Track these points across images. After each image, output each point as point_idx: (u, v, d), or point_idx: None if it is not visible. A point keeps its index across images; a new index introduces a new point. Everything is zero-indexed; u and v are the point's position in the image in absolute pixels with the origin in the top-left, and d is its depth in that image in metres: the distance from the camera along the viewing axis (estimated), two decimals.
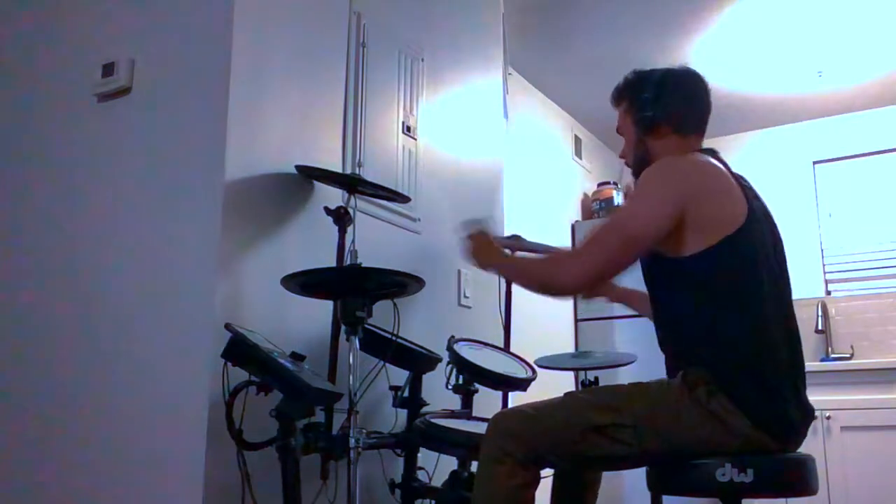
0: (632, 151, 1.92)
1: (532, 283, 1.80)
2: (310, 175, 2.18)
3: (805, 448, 1.72)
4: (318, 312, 2.08)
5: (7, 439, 2.19)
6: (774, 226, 1.83)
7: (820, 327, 4.36)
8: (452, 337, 2.29)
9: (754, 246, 1.70)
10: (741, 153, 4.83)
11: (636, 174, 1.92)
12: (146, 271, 2.03)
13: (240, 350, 1.70)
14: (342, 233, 2.08)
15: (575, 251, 1.73)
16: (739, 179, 1.80)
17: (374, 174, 2.35)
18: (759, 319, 1.67)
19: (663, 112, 1.83)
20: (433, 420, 2.03)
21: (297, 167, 2.14)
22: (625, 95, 1.92)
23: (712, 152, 1.82)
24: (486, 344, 2.45)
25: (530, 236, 2.83)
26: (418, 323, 2.52)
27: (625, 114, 1.92)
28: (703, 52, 3.92)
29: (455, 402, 2.30)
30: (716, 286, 1.66)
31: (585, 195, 4.94)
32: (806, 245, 4.60)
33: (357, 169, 2.36)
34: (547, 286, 1.78)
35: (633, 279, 1.87)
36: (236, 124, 1.99)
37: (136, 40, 2.22)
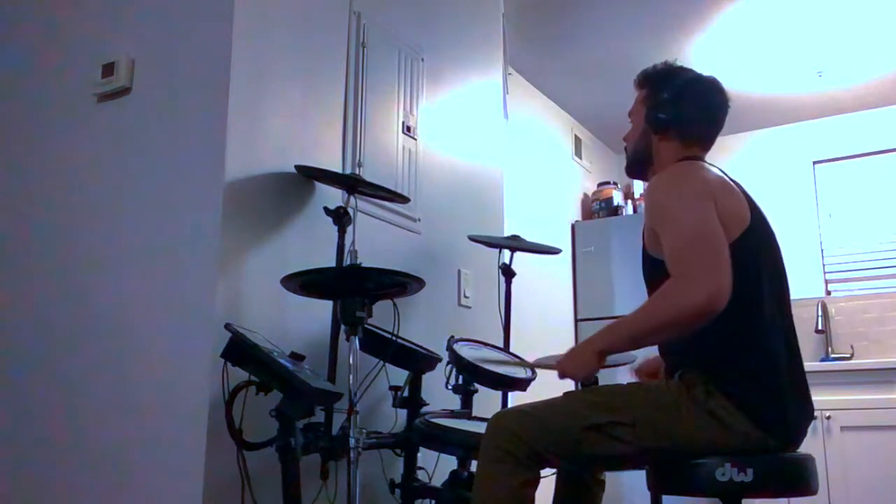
0: (634, 141, 1.92)
1: (661, 326, 1.57)
2: (310, 175, 2.18)
3: (805, 448, 1.72)
4: (318, 312, 2.08)
5: (7, 439, 2.19)
6: (771, 229, 1.83)
7: (820, 327, 4.35)
8: (452, 337, 2.29)
9: (759, 247, 1.71)
10: (741, 153, 4.83)
11: (630, 164, 1.95)
12: (146, 271, 2.03)
13: (240, 350, 1.70)
14: (342, 233, 2.08)
15: (683, 279, 1.54)
16: (738, 185, 1.80)
17: (374, 174, 2.35)
18: (759, 320, 1.67)
19: (675, 118, 1.83)
20: (433, 420, 2.03)
21: (297, 167, 2.14)
22: (647, 84, 1.91)
23: (696, 160, 1.83)
24: (486, 344, 2.45)
25: (530, 236, 2.84)
26: (418, 323, 2.52)
27: (641, 102, 1.91)
28: (703, 52, 3.92)
29: (455, 402, 2.30)
30: None
31: (585, 195, 4.94)
32: (806, 245, 4.60)
33: (357, 169, 2.36)
34: (682, 315, 1.53)
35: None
36: (236, 124, 2.00)
37: (136, 40, 2.22)
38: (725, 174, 1.80)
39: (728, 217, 1.66)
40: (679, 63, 1.93)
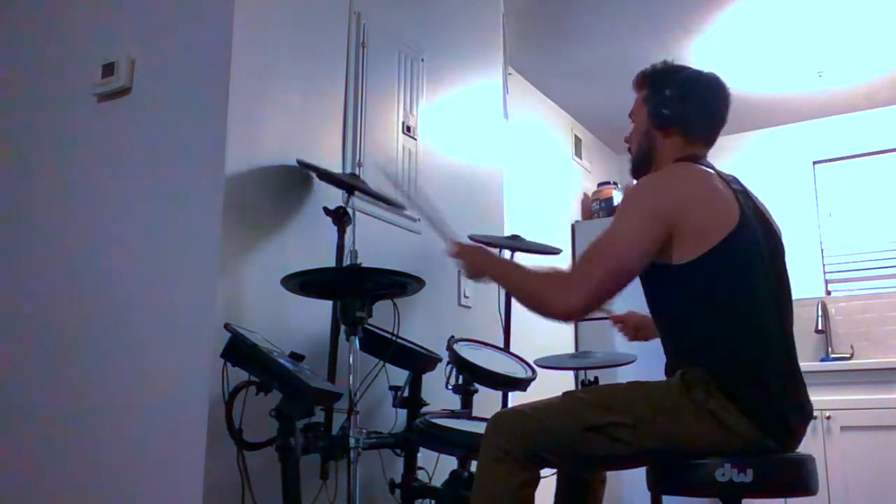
0: (638, 140, 1.92)
1: (524, 298, 1.77)
2: (311, 169, 2.17)
3: (805, 448, 1.72)
4: (318, 312, 2.08)
5: (7, 439, 2.19)
6: (771, 226, 1.83)
7: (820, 327, 4.35)
8: (452, 337, 2.29)
9: (747, 249, 1.70)
10: (741, 153, 4.83)
11: (634, 165, 1.95)
12: (146, 271, 2.03)
13: (240, 350, 1.70)
14: (342, 233, 2.08)
15: (568, 278, 1.73)
16: (730, 183, 1.80)
17: (374, 174, 2.35)
18: (755, 320, 1.67)
19: (679, 114, 1.83)
20: (433, 420, 2.03)
21: (299, 161, 2.13)
22: (647, 83, 1.91)
23: (696, 158, 1.83)
24: (486, 344, 2.45)
25: (530, 236, 2.84)
26: (418, 323, 2.52)
27: (642, 102, 1.91)
28: (703, 52, 3.92)
29: (455, 402, 2.30)
30: (710, 291, 1.66)
31: (585, 195, 4.94)
32: (806, 245, 4.59)
33: (357, 169, 2.36)
34: (540, 308, 1.72)
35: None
36: (236, 124, 1.99)
37: (136, 40, 2.22)
38: (718, 173, 1.80)
39: (706, 224, 1.67)
40: (677, 62, 1.93)
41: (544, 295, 1.72)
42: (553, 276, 1.76)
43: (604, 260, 1.68)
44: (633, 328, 2.23)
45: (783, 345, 1.70)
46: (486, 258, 1.91)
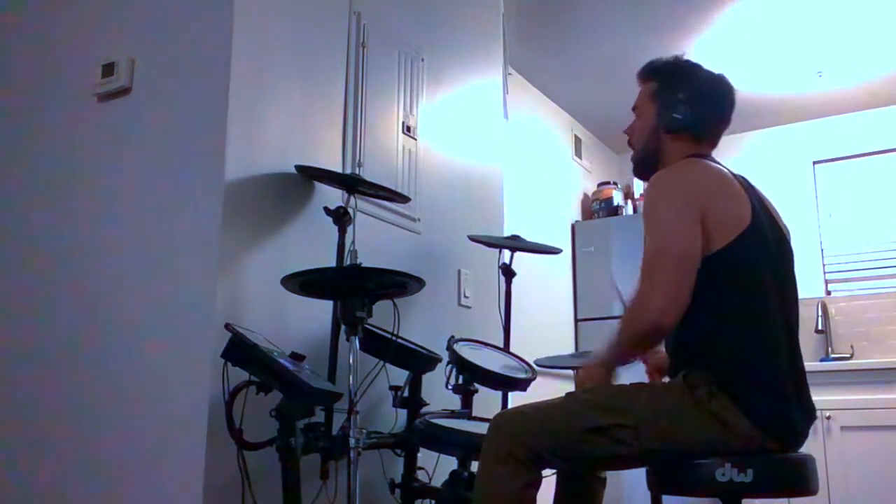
0: (644, 138, 1.89)
1: (632, 338, 1.71)
2: (310, 175, 2.18)
3: (805, 448, 1.72)
4: (318, 312, 2.08)
5: (7, 439, 2.19)
6: (778, 225, 1.82)
7: (820, 327, 4.35)
8: (452, 337, 2.29)
9: (759, 246, 1.70)
10: (741, 153, 4.83)
11: (638, 162, 1.92)
12: (146, 271, 2.03)
13: (240, 350, 1.70)
14: (342, 233, 2.08)
15: (641, 290, 1.66)
16: (741, 180, 1.79)
17: (374, 174, 2.35)
18: (762, 320, 1.67)
19: (693, 119, 1.82)
20: (433, 420, 2.03)
21: (297, 167, 2.14)
22: (656, 78, 1.88)
23: (703, 157, 1.82)
24: (486, 344, 2.45)
25: (530, 236, 2.84)
26: (418, 323, 2.52)
27: (650, 97, 1.88)
28: (703, 52, 3.92)
29: (455, 402, 2.29)
30: (716, 290, 1.65)
31: (585, 195, 4.94)
32: (806, 245, 4.59)
33: (357, 169, 2.36)
34: (641, 331, 1.66)
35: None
36: (236, 124, 1.99)
37: (136, 40, 2.22)
38: (729, 172, 1.79)
39: (723, 220, 1.66)
40: (686, 58, 1.91)
41: (634, 318, 1.67)
42: (625, 314, 1.72)
43: (660, 265, 1.63)
44: (656, 370, 2.07)
45: (788, 346, 1.70)
46: (599, 364, 1.81)
